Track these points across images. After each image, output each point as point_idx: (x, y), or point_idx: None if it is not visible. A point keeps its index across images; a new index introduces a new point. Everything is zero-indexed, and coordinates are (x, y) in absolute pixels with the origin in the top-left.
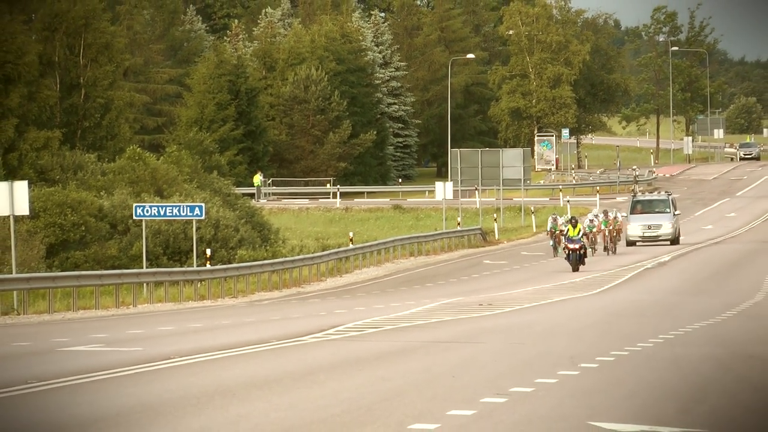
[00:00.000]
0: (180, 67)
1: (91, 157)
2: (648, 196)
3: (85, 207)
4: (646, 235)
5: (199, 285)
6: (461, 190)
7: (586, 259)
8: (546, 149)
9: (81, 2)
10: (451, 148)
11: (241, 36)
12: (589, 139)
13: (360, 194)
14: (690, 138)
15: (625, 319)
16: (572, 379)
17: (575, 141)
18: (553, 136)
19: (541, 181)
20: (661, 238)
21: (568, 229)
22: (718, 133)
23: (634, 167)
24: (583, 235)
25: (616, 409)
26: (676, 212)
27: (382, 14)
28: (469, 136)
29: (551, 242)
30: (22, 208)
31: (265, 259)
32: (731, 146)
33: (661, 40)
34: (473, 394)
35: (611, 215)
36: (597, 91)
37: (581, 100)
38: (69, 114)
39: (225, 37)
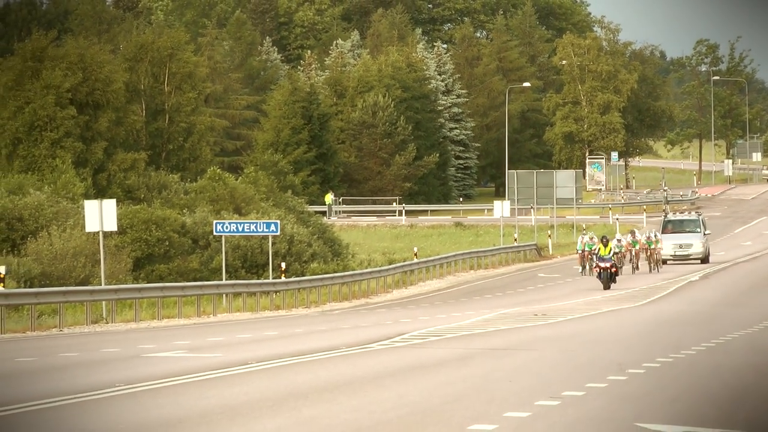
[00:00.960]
0: (257, 94)
1: (175, 178)
2: (679, 216)
3: (169, 223)
4: (677, 254)
5: (274, 296)
6: (518, 209)
7: (617, 277)
8: (596, 171)
9: (166, 34)
10: (509, 169)
11: (313, 65)
12: (636, 161)
13: (424, 212)
14: (730, 161)
15: (670, 328)
16: (620, 383)
17: (623, 163)
18: (603, 158)
19: (592, 201)
20: (691, 256)
21: (599, 249)
22: (756, 156)
23: (665, 188)
24: (613, 254)
25: (661, 412)
26: (707, 232)
27: (444, 46)
28: (525, 159)
29: (579, 268)
30: (111, 225)
31: (335, 272)
32: None
33: (703, 69)
34: (528, 397)
35: (639, 236)
36: (644, 117)
37: (629, 126)
38: (154, 137)
39: (299, 67)
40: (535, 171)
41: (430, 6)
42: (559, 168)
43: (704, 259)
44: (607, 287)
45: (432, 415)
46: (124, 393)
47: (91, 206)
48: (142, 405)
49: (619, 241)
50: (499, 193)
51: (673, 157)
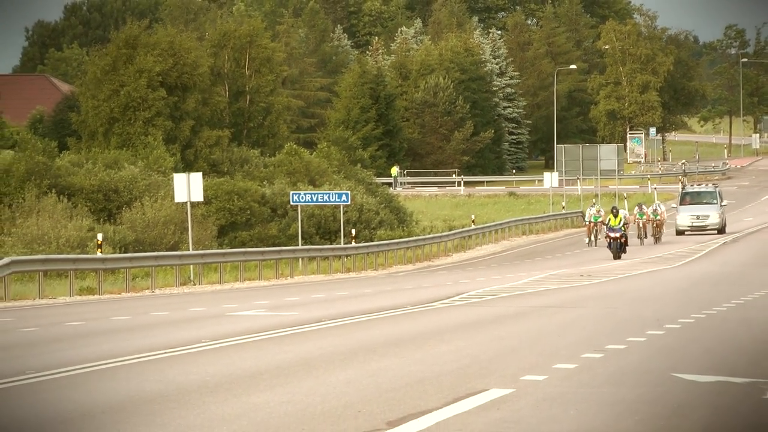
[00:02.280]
0: (329, 76)
1: (255, 153)
2: (696, 188)
3: (250, 194)
4: (694, 224)
5: (345, 259)
6: (565, 180)
7: (627, 247)
8: (636, 145)
9: (246, 23)
10: (557, 144)
11: (380, 51)
12: (672, 136)
13: (480, 183)
14: (757, 135)
15: (703, 287)
16: (658, 337)
17: (661, 138)
18: (642, 133)
19: (633, 172)
20: (708, 227)
21: (609, 219)
22: None
23: (683, 161)
24: (624, 224)
25: (696, 363)
26: (723, 203)
27: (498, 32)
28: (571, 134)
29: (586, 239)
30: (198, 196)
31: (400, 237)
32: None
33: (732, 52)
34: (575, 350)
35: (647, 209)
36: (679, 96)
37: (665, 103)
38: (236, 116)
39: (367, 52)
40: (580, 145)
41: None
42: (602, 142)
43: (721, 230)
44: (617, 257)
45: (489, 366)
46: (211, 348)
47: (179, 179)
48: (227, 358)
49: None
50: (548, 166)
51: (706, 132)
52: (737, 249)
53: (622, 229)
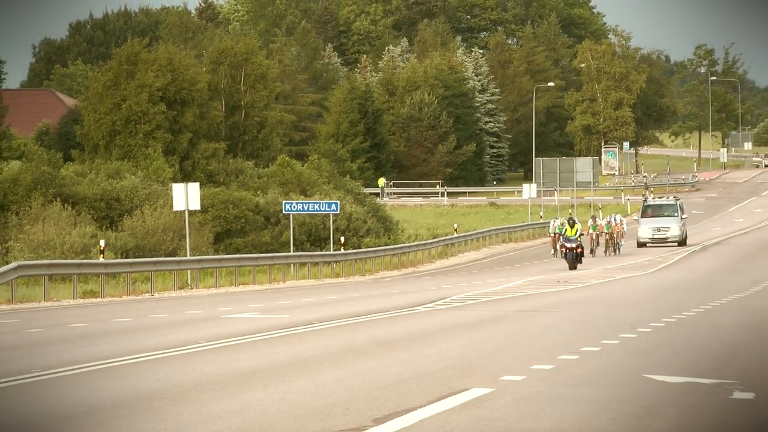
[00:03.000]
0: (320, 92)
1: (249, 164)
2: (657, 201)
3: (244, 203)
4: (655, 237)
5: (334, 265)
6: (543, 191)
7: (583, 258)
8: (611, 158)
9: (242, 41)
10: (535, 157)
11: (368, 68)
12: (644, 150)
13: (462, 194)
14: (725, 149)
15: (673, 293)
16: (631, 340)
17: (634, 151)
18: (616, 147)
19: (607, 184)
20: (668, 240)
21: (566, 230)
22: (747, 145)
23: (644, 174)
24: (579, 235)
25: (666, 365)
26: (684, 216)
27: (481, 51)
28: (549, 148)
29: (552, 251)
30: (195, 204)
31: (387, 245)
32: (758, 156)
33: (702, 71)
34: (552, 352)
35: (599, 221)
36: (651, 112)
37: (638, 119)
38: (232, 129)
39: (356, 69)
40: (558, 158)
41: (468, 17)
42: (578, 155)
43: (681, 242)
44: (572, 267)
45: (470, 367)
46: (207, 348)
47: (178, 188)
48: (222, 358)
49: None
50: (527, 177)
51: (676, 146)
52: (706, 257)
53: (578, 239)
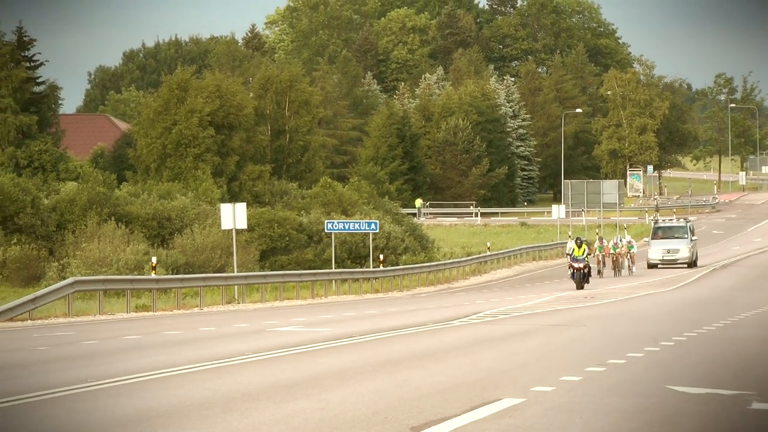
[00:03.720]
0: (360, 118)
1: (293, 185)
2: (668, 223)
3: (288, 223)
4: (665, 258)
5: (374, 281)
6: (571, 211)
7: (590, 278)
8: (635, 181)
9: (287, 69)
10: (564, 179)
11: (406, 95)
12: (667, 173)
13: (495, 214)
14: (744, 173)
15: (693, 308)
16: (654, 353)
17: (657, 174)
18: (640, 170)
19: (632, 205)
20: (678, 261)
21: (573, 249)
22: (765, 169)
23: (656, 196)
24: (587, 255)
25: (687, 376)
26: (694, 238)
27: (512, 79)
28: (577, 170)
29: (570, 271)
30: (242, 223)
31: (423, 262)
32: None
33: (721, 98)
34: (580, 364)
35: (606, 243)
36: (674, 137)
37: (661, 144)
38: (277, 153)
39: (394, 96)
40: (585, 181)
41: (500, 46)
42: (605, 178)
43: (691, 264)
44: (580, 287)
45: (502, 377)
46: (253, 360)
47: (226, 208)
48: (267, 369)
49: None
50: (556, 199)
51: (698, 170)
52: (725, 275)
53: (586, 259)
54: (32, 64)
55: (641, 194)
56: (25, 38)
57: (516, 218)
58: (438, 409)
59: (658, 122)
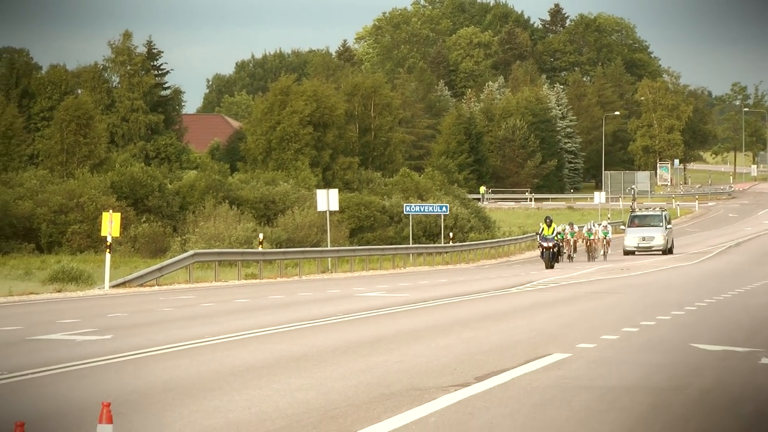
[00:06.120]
0: (433, 118)
1: (378, 174)
2: (644, 212)
3: (373, 205)
4: (640, 245)
5: (444, 255)
6: (610, 197)
7: (560, 257)
8: (664, 172)
9: (372, 77)
10: (604, 170)
11: (472, 99)
12: (691, 165)
13: (546, 199)
14: (755, 166)
15: (712, 279)
16: (680, 316)
17: (682, 167)
18: (668, 164)
19: (661, 192)
20: (653, 248)
21: (543, 228)
22: None
23: (633, 186)
24: (556, 234)
25: (707, 336)
26: (669, 226)
27: (561, 86)
28: (615, 163)
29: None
30: (334, 206)
31: (486, 239)
32: None
33: (737, 103)
34: (617, 325)
35: (578, 228)
36: (696, 136)
37: (686, 141)
38: (363, 147)
39: (462, 100)
40: (622, 172)
41: (551, 59)
42: (638, 170)
43: (666, 251)
44: (549, 266)
45: (552, 336)
46: (343, 320)
47: (321, 194)
48: (354, 328)
49: (563, 230)
50: (598, 187)
51: (716, 163)
52: (739, 251)
53: (555, 239)
54: (160, 72)
55: (669, 183)
56: (153, 50)
57: (564, 203)
58: (497, 363)
59: (683, 123)
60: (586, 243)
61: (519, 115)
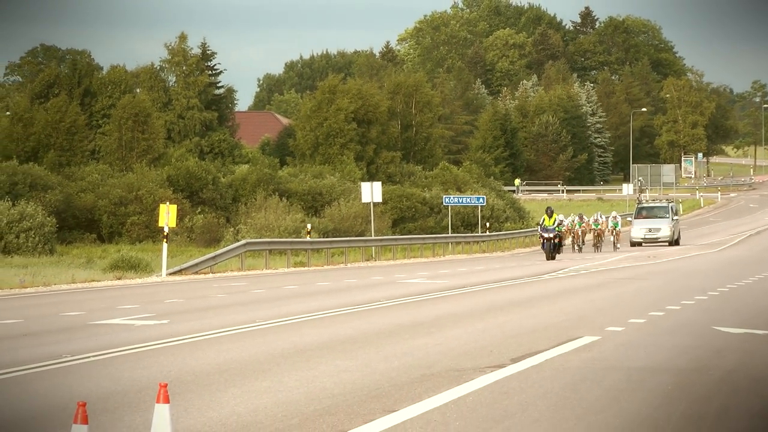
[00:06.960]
0: (471, 115)
1: (419, 168)
2: (651, 204)
3: (414, 197)
4: (647, 237)
5: (481, 243)
6: (638, 188)
7: (562, 248)
8: (688, 165)
9: (413, 77)
10: (632, 164)
11: (507, 97)
12: (713, 159)
13: (577, 191)
14: None
15: (735, 266)
16: (703, 301)
17: (705, 160)
18: (692, 157)
19: (685, 184)
20: (660, 240)
21: (543, 219)
22: None
23: (639, 178)
24: (558, 224)
25: (729, 319)
26: (675, 217)
27: (591, 84)
28: (642, 157)
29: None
30: (377, 198)
31: (521, 228)
32: None
33: (756, 100)
34: (644, 309)
35: (586, 219)
36: (719, 130)
37: (709, 136)
38: (405, 142)
39: (498, 98)
40: (648, 165)
41: (582, 59)
42: (664, 163)
43: (672, 243)
44: (550, 257)
45: (582, 320)
46: (386, 306)
47: (365, 186)
48: (396, 312)
49: (561, 221)
50: (626, 179)
51: (738, 156)
52: (759, 240)
53: (556, 229)
54: (213, 72)
55: (693, 176)
56: (208, 51)
57: (594, 194)
58: (532, 345)
59: (706, 119)
60: (594, 234)
61: (551, 112)
